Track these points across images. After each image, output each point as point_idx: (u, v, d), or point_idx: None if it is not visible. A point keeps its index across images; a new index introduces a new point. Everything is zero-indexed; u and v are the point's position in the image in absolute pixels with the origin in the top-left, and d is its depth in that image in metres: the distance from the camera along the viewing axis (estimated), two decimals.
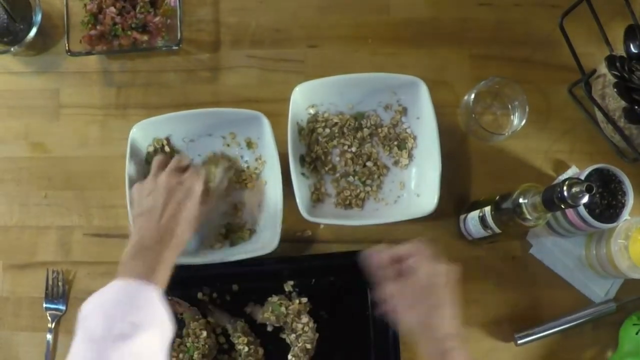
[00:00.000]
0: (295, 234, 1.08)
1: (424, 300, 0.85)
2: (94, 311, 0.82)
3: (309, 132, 1.09)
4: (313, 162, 1.08)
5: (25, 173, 1.12)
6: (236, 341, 1.02)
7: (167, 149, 1.07)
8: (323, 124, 1.09)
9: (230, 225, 1.07)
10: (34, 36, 1.09)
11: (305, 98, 1.07)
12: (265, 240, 1.03)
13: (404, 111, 1.09)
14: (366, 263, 0.89)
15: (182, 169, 1.00)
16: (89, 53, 1.10)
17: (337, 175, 1.08)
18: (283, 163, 1.04)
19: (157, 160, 1.01)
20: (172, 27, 1.11)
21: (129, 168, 1.04)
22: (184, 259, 0.99)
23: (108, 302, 0.83)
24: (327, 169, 1.08)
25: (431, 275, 0.85)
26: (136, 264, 0.87)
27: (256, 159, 1.09)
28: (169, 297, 1.05)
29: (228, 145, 1.09)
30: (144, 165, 1.07)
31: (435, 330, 0.83)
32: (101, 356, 0.77)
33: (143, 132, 1.05)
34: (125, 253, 0.90)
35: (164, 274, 0.88)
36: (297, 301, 1.04)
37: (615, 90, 1.00)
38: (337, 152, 1.09)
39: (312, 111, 1.09)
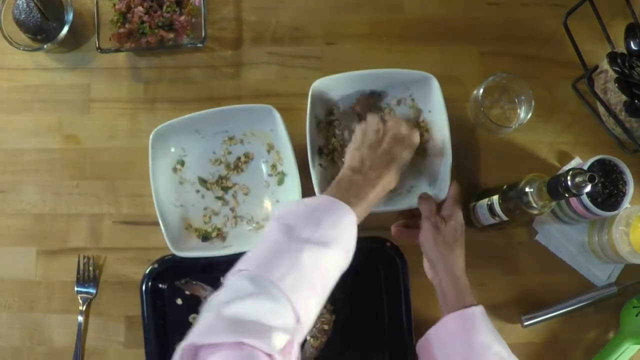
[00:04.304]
0: None
1: (455, 237, 0.97)
2: (298, 211, 0.84)
3: (326, 125, 1.10)
4: (330, 153, 1.10)
5: (58, 164, 1.14)
6: None
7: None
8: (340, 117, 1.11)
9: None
10: (66, 34, 1.12)
11: (323, 92, 1.09)
12: None
13: (417, 105, 1.11)
14: (420, 201, 1.02)
15: None
16: (118, 50, 1.12)
17: None
18: (302, 155, 1.05)
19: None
20: (197, 26, 1.13)
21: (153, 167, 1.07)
22: (199, 252, 1.04)
23: (315, 208, 0.85)
24: (343, 160, 1.06)
25: (463, 220, 0.99)
26: (344, 192, 0.88)
27: (269, 151, 1.11)
28: (193, 281, 1.09)
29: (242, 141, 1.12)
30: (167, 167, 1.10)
31: (453, 266, 0.95)
32: (297, 251, 0.79)
33: (161, 137, 1.07)
34: (336, 181, 0.92)
35: (364, 209, 0.90)
36: None
37: (616, 85, 1.02)
38: None
39: (329, 105, 1.11)
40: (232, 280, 0.79)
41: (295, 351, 0.76)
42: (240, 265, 0.81)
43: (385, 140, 0.96)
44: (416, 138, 0.99)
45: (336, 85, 1.09)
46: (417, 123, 1.10)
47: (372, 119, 1.00)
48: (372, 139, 0.96)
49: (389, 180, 0.94)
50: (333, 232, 0.82)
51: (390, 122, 0.98)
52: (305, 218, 0.83)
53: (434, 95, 1.07)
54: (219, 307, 0.74)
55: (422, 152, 1.10)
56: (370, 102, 1.11)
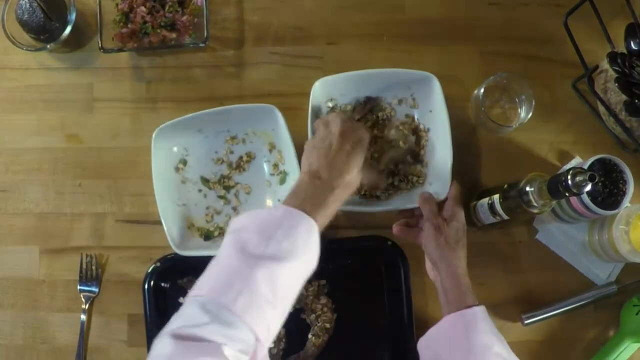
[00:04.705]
0: None
1: (457, 238, 0.98)
2: (251, 226, 0.82)
3: None
4: None
5: (60, 163, 1.14)
6: None
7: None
8: None
9: None
10: (69, 34, 1.12)
11: (324, 92, 1.09)
12: None
13: (418, 105, 1.11)
14: (421, 202, 1.02)
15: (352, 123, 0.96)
16: (120, 50, 1.13)
17: None
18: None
19: (325, 117, 0.98)
20: (199, 26, 1.13)
21: (155, 167, 1.07)
22: (202, 251, 1.03)
23: (268, 222, 0.82)
24: None
25: (464, 220, 1.00)
26: (301, 199, 0.85)
27: (270, 150, 1.11)
28: (195, 280, 1.08)
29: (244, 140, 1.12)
30: (169, 165, 1.10)
31: (455, 267, 0.96)
32: (249, 270, 0.77)
33: (163, 136, 1.07)
34: (293, 188, 0.88)
35: (324, 215, 0.86)
36: (316, 283, 1.08)
37: (616, 85, 1.02)
38: None
39: (330, 104, 1.11)
40: (186, 307, 0.77)
41: None
42: (195, 288, 0.79)
43: (334, 141, 0.92)
44: (366, 136, 0.94)
45: (337, 84, 1.10)
46: (413, 125, 1.11)
47: (318, 131, 0.96)
48: (321, 144, 0.92)
49: (344, 184, 0.89)
50: (288, 244, 0.80)
51: (335, 124, 0.94)
52: (258, 232, 0.80)
53: (434, 94, 1.08)
54: (172, 333, 0.73)
55: (423, 152, 1.10)
56: (367, 108, 1.11)
